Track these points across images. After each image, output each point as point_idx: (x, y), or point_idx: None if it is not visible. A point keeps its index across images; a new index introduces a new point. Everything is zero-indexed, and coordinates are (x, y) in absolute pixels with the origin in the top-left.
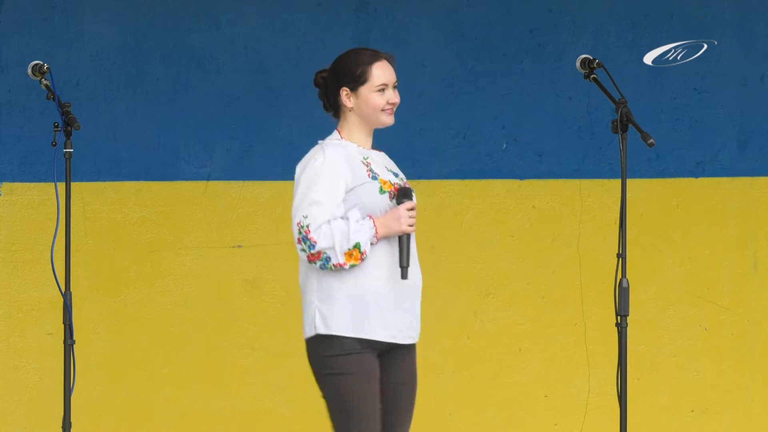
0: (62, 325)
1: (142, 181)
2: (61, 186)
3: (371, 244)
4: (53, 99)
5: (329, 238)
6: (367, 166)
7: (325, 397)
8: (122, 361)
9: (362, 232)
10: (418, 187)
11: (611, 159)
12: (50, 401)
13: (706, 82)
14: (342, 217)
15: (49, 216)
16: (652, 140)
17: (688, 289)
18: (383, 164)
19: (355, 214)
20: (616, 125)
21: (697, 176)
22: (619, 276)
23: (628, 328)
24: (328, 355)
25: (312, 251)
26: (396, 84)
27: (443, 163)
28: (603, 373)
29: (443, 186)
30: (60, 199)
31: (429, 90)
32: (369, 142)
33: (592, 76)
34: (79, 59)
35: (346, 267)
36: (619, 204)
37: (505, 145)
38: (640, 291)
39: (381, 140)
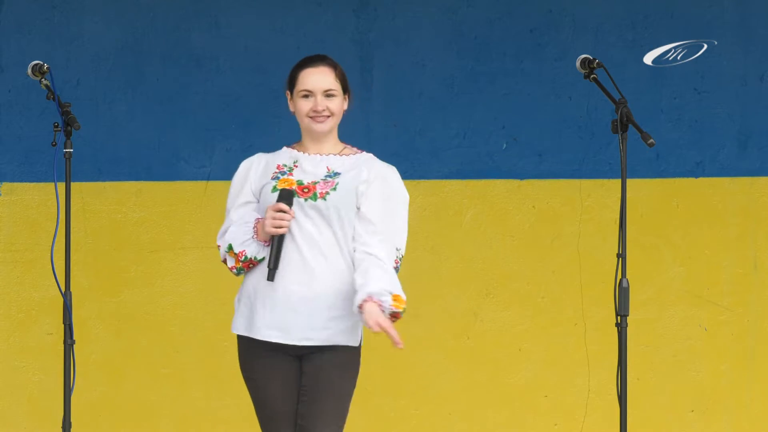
0: (62, 325)
1: (142, 181)
2: (61, 186)
3: (263, 243)
4: (53, 99)
5: (223, 244)
6: (284, 168)
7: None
8: (122, 361)
9: (239, 234)
10: (418, 187)
11: (611, 159)
12: (50, 401)
13: (706, 82)
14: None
15: (49, 216)
16: (652, 140)
17: (688, 289)
18: (318, 167)
19: (246, 216)
20: (616, 125)
21: (697, 176)
22: (619, 276)
23: (628, 328)
24: (240, 358)
25: (222, 259)
26: (329, 92)
27: (443, 163)
28: (603, 373)
29: (443, 186)
30: (60, 199)
31: (429, 90)
32: (322, 146)
33: (592, 76)
34: (79, 59)
35: (234, 271)
36: (619, 204)
37: (505, 145)
38: (640, 291)
39: (381, 139)
